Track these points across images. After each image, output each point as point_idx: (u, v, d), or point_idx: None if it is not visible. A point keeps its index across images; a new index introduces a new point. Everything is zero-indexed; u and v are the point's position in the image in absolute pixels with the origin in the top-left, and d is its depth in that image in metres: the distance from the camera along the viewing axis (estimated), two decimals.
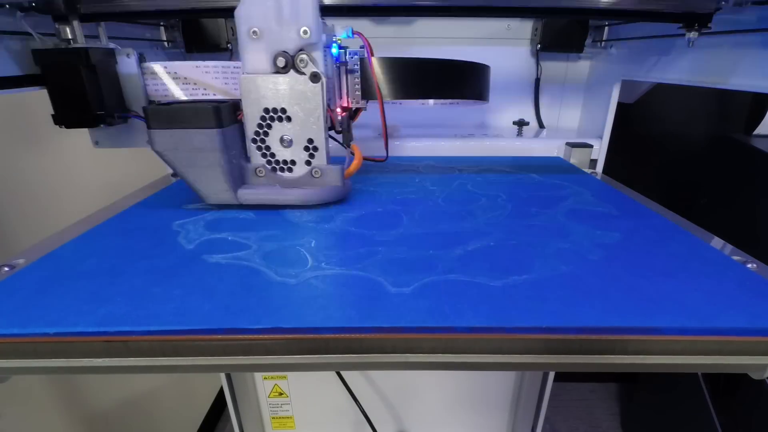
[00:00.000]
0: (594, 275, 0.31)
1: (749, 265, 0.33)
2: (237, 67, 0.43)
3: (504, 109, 0.77)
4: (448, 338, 0.26)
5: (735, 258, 0.34)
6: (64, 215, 0.81)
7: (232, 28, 0.69)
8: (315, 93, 0.40)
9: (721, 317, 0.27)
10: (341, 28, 0.44)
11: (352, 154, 0.47)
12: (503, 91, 0.75)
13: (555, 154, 0.67)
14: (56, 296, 0.29)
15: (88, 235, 0.38)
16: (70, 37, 0.41)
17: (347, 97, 0.47)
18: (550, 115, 0.77)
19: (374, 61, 0.45)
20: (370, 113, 0.49)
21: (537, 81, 0.74)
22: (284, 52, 0.39)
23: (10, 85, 0.41)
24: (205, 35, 0.69)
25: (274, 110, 0.41)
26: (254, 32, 0.38)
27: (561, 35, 0.70)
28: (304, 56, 0.39)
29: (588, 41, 0.70)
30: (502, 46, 0.72)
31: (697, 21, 0.46)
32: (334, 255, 0.34)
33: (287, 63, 0.39)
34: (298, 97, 0.40)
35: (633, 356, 0.26)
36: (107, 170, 0.87)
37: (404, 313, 0.27)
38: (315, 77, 0.39)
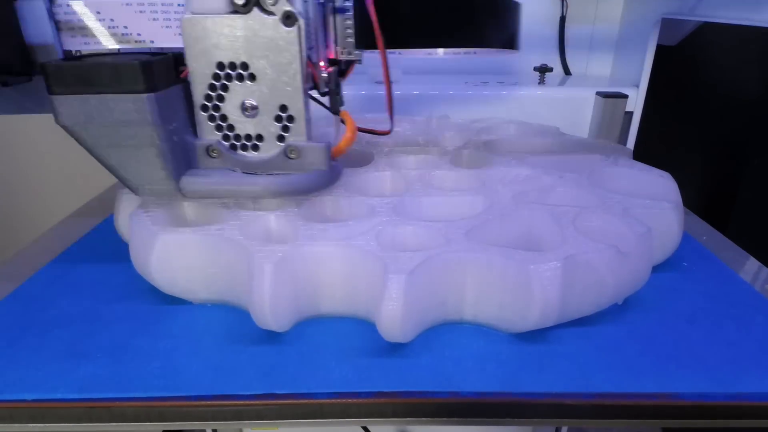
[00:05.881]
0: (604, 318, 0.31)
1: None
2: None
3: (523, 53, 0.71)
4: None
5: None
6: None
7: None
8: (289, 41, 0.31)
9: (742, 380, 0.27)
10: None
11: (343, 123, 0.38)
12: (522, 32, 0.69)
13: (583, 105, 0.63)
14: (30, 351, 0.28)
15: (57, 263, 0.37)
16: None
17: (335, 46, 0.38)
18: (577, 60, 0.72)
19: None
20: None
21: (562, 20, 0.68)
22: None
23: None
24: None
25: (232, 65, 0.31)
26: None
27: None
28: None
29: None
30: None
31: None
32: None
33: None
34: (264, 46, 0.31)
35: (650, 420, 0.27)
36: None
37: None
38: (289, 19, 0.30)
